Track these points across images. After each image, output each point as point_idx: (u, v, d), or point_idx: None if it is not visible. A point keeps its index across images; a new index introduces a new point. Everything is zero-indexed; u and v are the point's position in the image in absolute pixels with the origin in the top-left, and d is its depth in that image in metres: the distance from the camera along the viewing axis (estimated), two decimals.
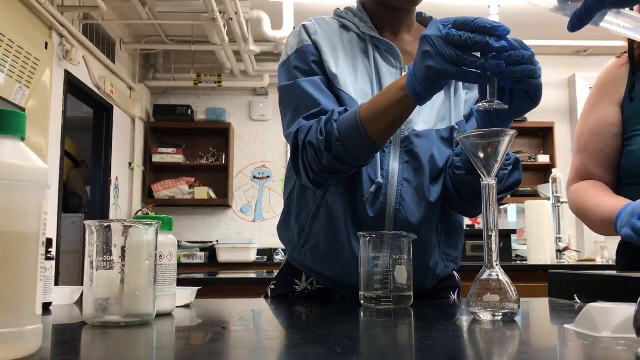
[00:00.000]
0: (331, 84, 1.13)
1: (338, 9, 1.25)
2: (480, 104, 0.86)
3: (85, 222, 0.78)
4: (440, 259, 1.18)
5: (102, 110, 4.61)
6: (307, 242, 1.17)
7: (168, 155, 5.28)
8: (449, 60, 0.82)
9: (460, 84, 1.20)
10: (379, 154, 1.10)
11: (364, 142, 0.99)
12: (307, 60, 1.14)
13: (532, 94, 0.88)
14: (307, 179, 1.08)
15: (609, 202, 1.27)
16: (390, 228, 1.10)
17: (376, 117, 0.97)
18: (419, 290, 1.13)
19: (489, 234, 0.81)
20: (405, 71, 1.15)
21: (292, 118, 1.12)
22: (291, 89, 1.13)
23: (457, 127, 1.16)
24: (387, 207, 1.10)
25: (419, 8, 1.23)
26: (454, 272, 1.26)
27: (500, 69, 0.81)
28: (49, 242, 0.92)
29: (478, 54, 0.82)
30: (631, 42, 1.37)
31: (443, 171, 1.15)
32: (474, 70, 0.82)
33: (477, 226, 4.17)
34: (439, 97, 1.17)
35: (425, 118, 1.14)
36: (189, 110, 5.30)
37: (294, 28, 1.22)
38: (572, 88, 5.55)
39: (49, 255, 0.98)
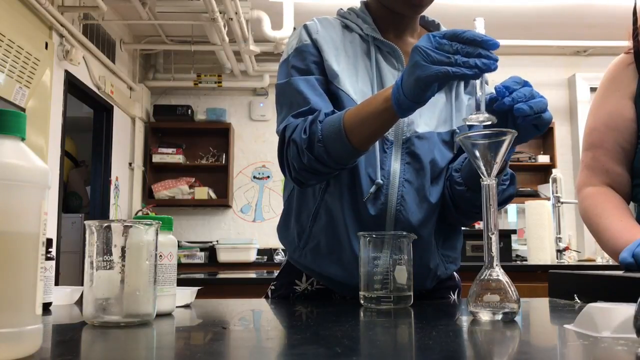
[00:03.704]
0: (329, 84, 1.14)
1: (341, 9, 1.25)
2: (469, 117, 0.87)
3: (85, 222, 0.78)
4: (440, 261, 1.18)
5: (102, 110, 4.61)
6: (307, 243, 1.17)
7: (168, 155, 5.27)
8: (438, 63, 0.83)
9: (462, 88, 1.21)
10: (379, 154, 1.11)
11: (345, 147, 1.00)
12: (305, 60, 1.15)
13: (540, 126, 0.91)
14: (289, 175, 1.10)
15: (622, 231, 1.21)
16: (390, 229, 1.11)
17: (359, 124, 0.98)
18: (419, 290, 1.13)
19: (489, 234, 0.81)
20: None
21: (285, 115, 1.13)
22: (286, 86, 1.15)
23: (458, 130, 1.16)
24: (388, 207, 1.11)
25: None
26: (454, 272, 1.27)
27: (492, 69, 0.83)
28: (49, 242, 0.92)
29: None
30: (636, 42, 1.35)
31: (443, 172, 1.16)
32: (464, 71, 0.83)
33: (477, 226, 4.17)
34: (440, 101, 1.17)
35: (427, 120, 1.15)
36: (189, 110, 5.30)
37: (294, 29, 1.23)
38: (572, 88, 5.55)
39: (49, 255, 0.98)
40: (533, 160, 5.32)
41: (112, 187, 4.72)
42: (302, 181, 1.10)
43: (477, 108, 0.86)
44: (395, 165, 1.12)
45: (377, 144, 1.11)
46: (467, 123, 0.88)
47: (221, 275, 2.94)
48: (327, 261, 1.15)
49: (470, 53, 0.82)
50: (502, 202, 1.12)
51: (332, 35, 1.18)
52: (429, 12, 1.28)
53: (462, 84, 1.21)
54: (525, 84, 0.89)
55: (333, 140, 1.00)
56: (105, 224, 0.76)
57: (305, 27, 1.20)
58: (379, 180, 1.10)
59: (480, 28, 0.86)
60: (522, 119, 0.88)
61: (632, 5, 1.37)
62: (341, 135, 0.99)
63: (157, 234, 0.80)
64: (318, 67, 1.15)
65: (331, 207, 1.13)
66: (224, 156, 5.38)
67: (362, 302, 0.99)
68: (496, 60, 0.83)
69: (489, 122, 0.85)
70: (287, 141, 1.08)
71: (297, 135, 1.05)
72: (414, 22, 1.23)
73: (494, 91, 0.90)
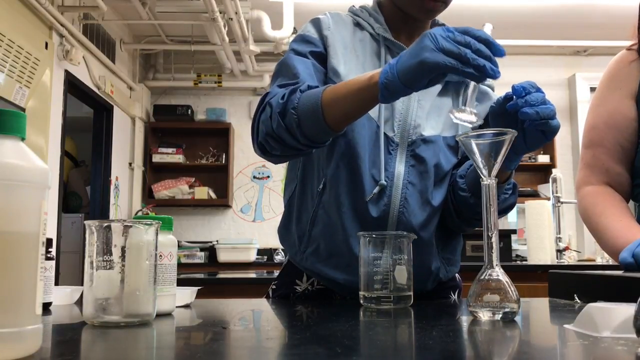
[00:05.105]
0: (332, 82, 1.13)
1: (353, 6, 1.25)
2: (454, 114, 0.87)
3: (85, 222, 0.78)
4: (441, 264, 1.18)
5: (102, 110, 4.61)
6: (308, 246, 1.16)
7: (168, 155, 5.27)
8: (448, 53, 0.82)
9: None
10: (383, 156, 1.10)
11: (318, 122, 0.98)
12: (305, 48, 1.15)
13: (547, 134, 0.90)
14: (255, 140, 1.08)
15: (621, 230, 1.21)
16: (392, 230, 1.10)
17: (336, 100, 0.96)
18: (420, 291, 1.13)
19: (489, 234, 0.81)
20: None
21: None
22: (282, 64, 1.15)
23: None
24: (391, 209, 1.10)
25: None
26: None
27: (496, 76, 0.83)
28: (49, 242, 0.92)
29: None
30: None
31: (447, 176, 1.16)
32: (470, 70, 0.82)
33: None
34: (446, 105, 1.17)
35: (433, 124, 1.15)
36: (189, 110, 5.30)
37: (294, 29, 1.23)
38: (572, 88, 5.55)
39: (49, 255, 0.98)
40: (533, 160, 5.32)
41: (112, 187, 4.71)
42: (267, 149, 1.07)
43: (464, 103, 0.87)
44: (400, 167, 1.12)
45: (382, 145, 1.10)
46: (453, 118, 0.88)
47: (221, 275, 2.94)
48: (327, 265, 1.14)
49: (480, 52, 0.82)
50: (503, 211, 1.12)
51: (343, 32, 1.17)
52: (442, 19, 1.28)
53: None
54: (539, 90, 0.89)
55: (307, 112, 0.98)
56: (105, 224, 0.76)
57: (317, 20, 1.19)
58: (383, 182, 1.10)
59: (488, 33, 0.86)
60: (529, 123, 0.88)
61: (633, 4, 1.37)
62: (317, 108, 0.97)
63: (157, 234, 0.80)
64: (317, 59, 1.15)
65: (328, 210, 1.13)
66: (224, 156, 5.38)
67: (362, 302, 0.99)
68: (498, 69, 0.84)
69: (477, 122, 0.86)
70: (264, 104, 1.06)
71: (275, 100, 1.03)
72: (425, 25, 1.23)
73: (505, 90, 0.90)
